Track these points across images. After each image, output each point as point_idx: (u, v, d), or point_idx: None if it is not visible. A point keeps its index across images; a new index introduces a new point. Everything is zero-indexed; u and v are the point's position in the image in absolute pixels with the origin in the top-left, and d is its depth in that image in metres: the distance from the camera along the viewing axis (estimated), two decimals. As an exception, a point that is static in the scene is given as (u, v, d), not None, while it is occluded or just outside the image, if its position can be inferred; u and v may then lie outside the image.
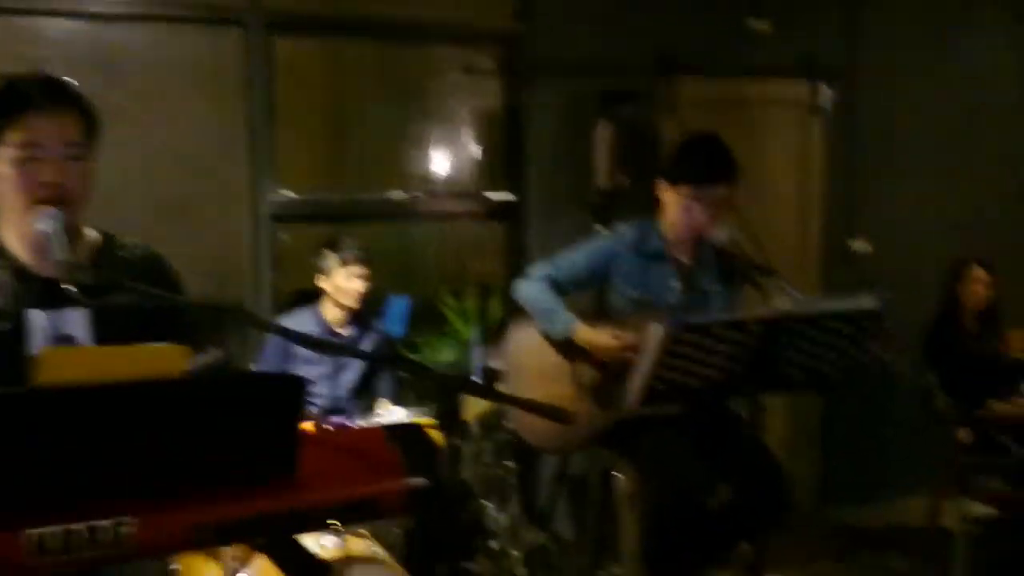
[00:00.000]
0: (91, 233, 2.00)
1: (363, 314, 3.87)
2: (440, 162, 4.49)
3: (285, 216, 4.12)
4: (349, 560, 2.97)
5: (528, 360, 2.99)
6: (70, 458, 1.33)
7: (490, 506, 3.70)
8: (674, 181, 2.92)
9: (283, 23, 4.08)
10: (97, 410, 1.32)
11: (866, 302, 2.33)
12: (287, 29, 4.09)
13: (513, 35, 4.43)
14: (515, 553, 3.68)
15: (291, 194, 4.13)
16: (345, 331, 3.82)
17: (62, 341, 1.81)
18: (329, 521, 1.58)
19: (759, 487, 2.83)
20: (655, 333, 2.20)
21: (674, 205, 2.93)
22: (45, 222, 1.73)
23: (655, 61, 4.56)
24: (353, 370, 3.84)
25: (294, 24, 4.13)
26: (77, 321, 1.86)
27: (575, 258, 2.98)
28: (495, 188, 4.49)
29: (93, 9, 3.85)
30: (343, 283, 3.72)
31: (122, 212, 4.15)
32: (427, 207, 4.40)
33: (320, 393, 3.74)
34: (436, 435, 3.27)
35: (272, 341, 3.77)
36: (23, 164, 1.79)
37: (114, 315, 1.86)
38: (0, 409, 1.26)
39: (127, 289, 1.80)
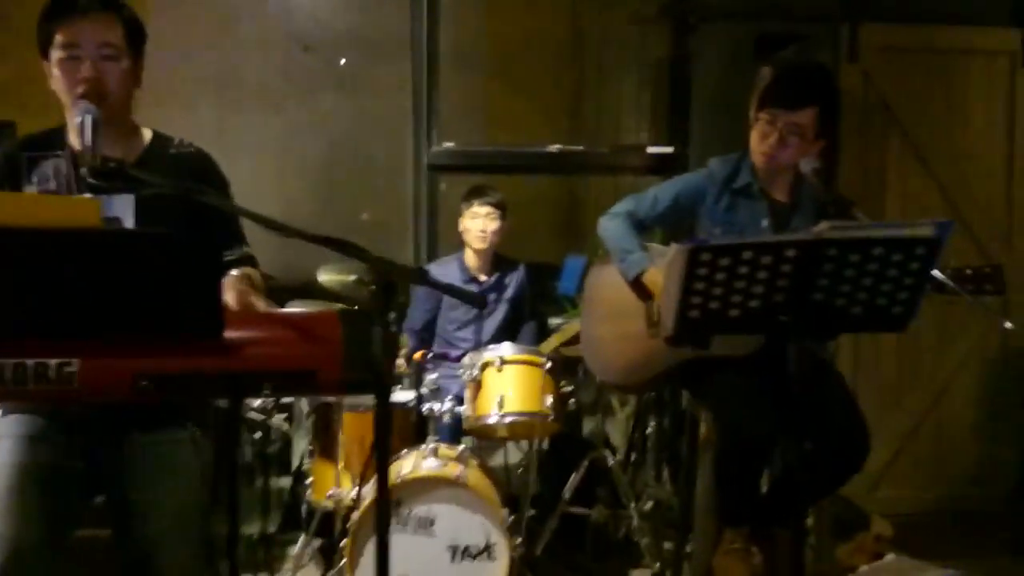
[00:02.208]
0: (146, 132, 2.21)
1: (503, 260, 3.98)
2: (602, 114, 4.49)
3: (444, 167, 4.30)
4: (434, 480, 3.11)
5: (605, 294, 2.94)
6: (20, 297, 1.53)
7: (610, 456, 3.67)
8: (757, 107, 2.75)
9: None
10: (36, 252, 1.51)
11: (921, 229, 2.09)
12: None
13: (679, -17, 4.34)
14: (633, 504, 3.63)
15: (451, 145, 4.29)
16: (485, 276, 3.94)
17: (109, 223, 2.04)
18: (264, 389, 1.70)
19: (835, 440, 2.62)
20: (678, 253, 2.11)
21: (754, 132, 2.76)
22: (80, 113, 1.96)
23: (839, 4, 4.28)
24: (499, 314, 3.95)
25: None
26: (124, 206, 2.08)
27: (660, 193, 2.87)
28: (658, 141, 4.41)
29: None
30: (470, 223, 3.84)
31: (302, 159, 4.65)
32: (587, 160, 4.40)
33: (464, 337, 3.89)
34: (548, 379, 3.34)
35: (420, 291, 3.96)
36: (66, 63, 2.02)
37: (157, 203, 2.06)
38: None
39: (149, 183, 1.98)
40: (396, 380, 3.51)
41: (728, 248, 2.10)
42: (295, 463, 3.91)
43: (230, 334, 1.65)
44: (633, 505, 3.64)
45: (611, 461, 3.68)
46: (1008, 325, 2.47)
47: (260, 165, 4.62)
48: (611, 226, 2.86)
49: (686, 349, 2.61)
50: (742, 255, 2.12)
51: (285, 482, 3.95)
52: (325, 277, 3.57)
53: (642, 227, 2.86)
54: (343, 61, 4.70)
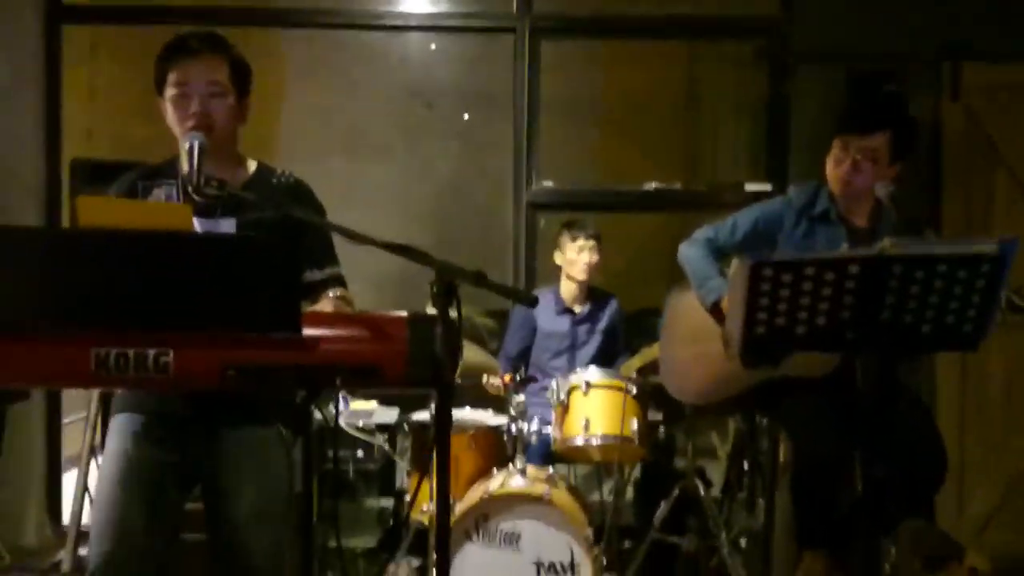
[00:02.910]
0: (251, 163, 2.42)
1: (597, 292, 4.09)
2: (701, 153, 4.59)
3: (544, 204, 4.47)
4: (520, 497, 3.21)
5: (684, 318, 3.00)
6: (120, 291, 1.74)
7: (700, 484, 3.69)
8: (832, 134, 2.79)
9: (548, 27, 4.46)
10: (135, 252, 1.72)
11: (985, 246, 2.10)
12: (552, 32, 4.47)
13: (777, 24, 4.41)
14: (724, 534, 3.63)
15: (550, 184, 4.46)
16: (579, 307, 4.06)
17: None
18: (338, 381, 1.86)
19: (908, 465, 2.59)
20: (740, 267, 2.17)
21: (829, 158, 2.80)
22: (188, 140, 2.19)
23: (941, 46, 4.27)
24: (592, 344, 4.07)
25: (558, 28, 4.49)
26: (228, 228, 2.30)
27: (740, 220, 2.93)
28: (757, 178, 4.46)
29: (389, 22, 4.55)
30: (573, 256, 3.98)
31: (406, 198, 4.92)
32: (685, 198, 4.49)
33: (557, 366, 4.00)
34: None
35: (517, 316, 4.11)
36: (178, 99, 2.24)
37: (258, 226, 2.27)
38: (60, 243, 1.71)
39: (253, 204, 2.21)
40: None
41: (790, 264, 2.16)
42: (398, 483, 4.09)
43: (307, 331, 1.83)
44: (724, 535, 3.65)
45: (703, 491, 3.70)
46: None
47: (384, 211, 4.96)
48: (690, 252, 2.94)
49: (761, 369, 2.65)
50: (804, 271, 2.17)
51: (387, 502, 4.12)
52: (432, 312, 3.76)
53: (721, 254, 2.92)
54: (466, 116, 4.98)
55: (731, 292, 2.28)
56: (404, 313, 1.92)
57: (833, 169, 2.80)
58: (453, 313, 1.85)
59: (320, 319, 1.94)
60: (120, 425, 2.26)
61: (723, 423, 4.36)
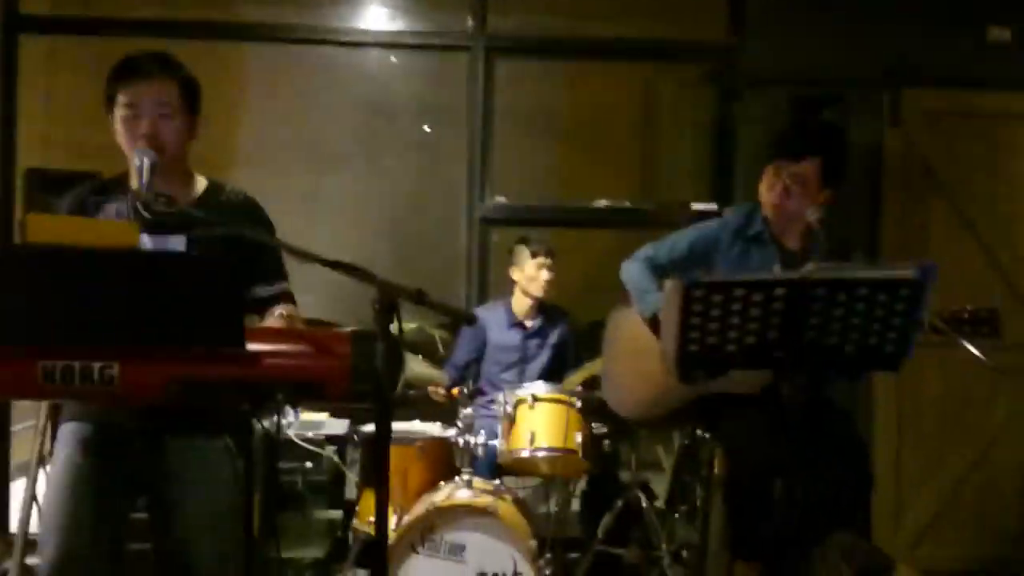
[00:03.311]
0: (201, 180, 2.47)
1: (549, 307, 4.18)
2: (652, 171, 4.70)
3: (496, 220, 4.56)
4: (465, 509, 3.28)
5: (625, 334, 3.10)
6: (68, 307, 1.78)
7: (643, 497, 3.78)
8: (765, 160, 2.91)
9: (503, 46, 4.55)
10: (82, 268, 1.77)
11: (903, 270, 2.21)
12: (506, 51, 4.56)
13: (726, 49, 4.53)
14: (665, 546, 3.73)
15: (503, 200, 4.55)
16: (530, 322, 4.15)
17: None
18: (280, 396, 1.92)
19: (833, 479, 2.70)
20: (673, 288, 2.27)
21: (763, 183, 2.91)
22: (138, 156, 2.23)
23: (883, 71, 4.43)
24: (542, 358, 4.15)
25: (513, 47, 4.59)
26: (177, 245, 2.34)
27: (678, 240, 3.03)
28: (703, 199, 4.58)
29: (348, 38, 4.63)
30: (532, 272, 4.07)
31: (365, 210, 5.00)
32: (633, 216, 4.59)
33: (508, 380, 4.08)
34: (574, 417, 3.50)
35: (466, 332, 4.19)
36: (127, 120, 2.29)
37: (207, 242, 2.32)
38: (9, 260, 1.76)
39: (202, 222, 2.26)
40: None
41: (720, 285, 2.25)
42: (347, 495, 4.13)
43: (252, 346, 1.89)
44: (665, 547, 3.74)
45: (645, 503, 3.79)
46: (984, 358, 2.54)
47: (344, 223, 5.03)
48: (631, 269, 3.04)
49: (699, 383, 2.74)
50: (734, 292, 2.26)
51: (336, 513, 4.16)
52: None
53: (661, 271, 3.01)
54: (427, 128, 5.06)
55: (665, 311, 2.37)
56: (348, 329, 1.99)
57: (766, 193, 2.91)
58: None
59: (265, 335, 2.00)
60: (68, 434, 2.30)
61: (668, 437, 4.47)
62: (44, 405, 3.68)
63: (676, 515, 4.12)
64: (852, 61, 4.40)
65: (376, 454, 1.92)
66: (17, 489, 4.28)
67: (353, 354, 1.92)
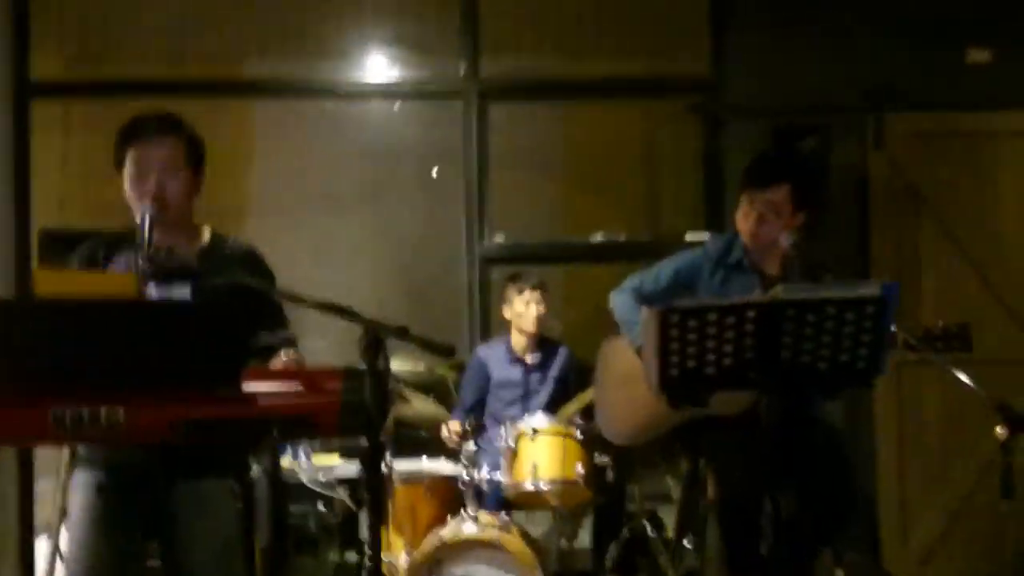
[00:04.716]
0: (206, 232, 2.60)
1: (546, 341, 4.28)
2: (646, 204, 4.82)
3: (496, 258, 4.68)
4: (472, 543, 3.37)
5: (615, 363, 3.20)
6: (74, 356, 1.90)
7: (649, 526, 3.85)
8: (738, 191, 3.03)
9: (495, 91, 4.71)
10: (87, 318, 1.89)
11: (867, 288, 2.30)
12: (498, 95, 4.72)
13: (708, 82, 4.67)
14: (671, 573, 3.79)
15: (500, 239, 4.67)
16: (530, 357, 4.25)
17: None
18: (275, 432, 2.03)
19: (815, 498, 2.77)
20: (649, 315, 2.37)
21: (738, 213, 3.03)
22: (140, 213, 2.37)
23: (865, 96, 4.54)
24: (544, 392, 4.24)
25: (504, 91, 4.75)
26: (182, 293, 2.47)
27: (662, 270, 3.14)
28: (696, 228, 4.68)
29: (348, 90, 4.80)
30: (521, 308, 4.17)
31: (372, 254, 5.14)
32: (630, 248, 4.70)
33: (512, 415, 4.16)
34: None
35: (472, 367, 4.30)
36: (135, 177, 2.43)
37: (211, 291, 2.44)
38: (18, 312, 1.89)
39: (200, 272, 2.40)
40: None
41: (694, 310, 2.36)
42: (361, 535, 4.21)
43: (248, 386, 2.00)
44: (671, 573, 3.80)
45: (651, 532, 3.86)
46: (963, 377, 2.61)
47: (353, 266, 5.18)
48: (619, 300, 3.15)
49: (685, 409, 2.83)
50: (708, 316, 2.36)
51: (351, 555, 4.24)
52: (399, 368, 3.97)
53: (647, 301, 3.10)
54: (435, 172, 5.22)
55: (644, 337, 2.47)
56: (338, 367, 2.10)
57: (742, 222, 3.02)
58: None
59: (260, 375, 2.10)
60: (82, 481, 2.41)
61: (677, 467, 4.53)
62: (64, 462, 3.80)
63: (685, 543, 4.18)
64: (834, 87, 4.53)
65: (368, 486, 2.02)
66: (43, 545, 4.39)
67: (343, 390, 2.02)
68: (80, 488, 2.41)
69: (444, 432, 3.95)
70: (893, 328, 2.73)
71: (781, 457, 2.62)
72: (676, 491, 4.57)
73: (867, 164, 4.52)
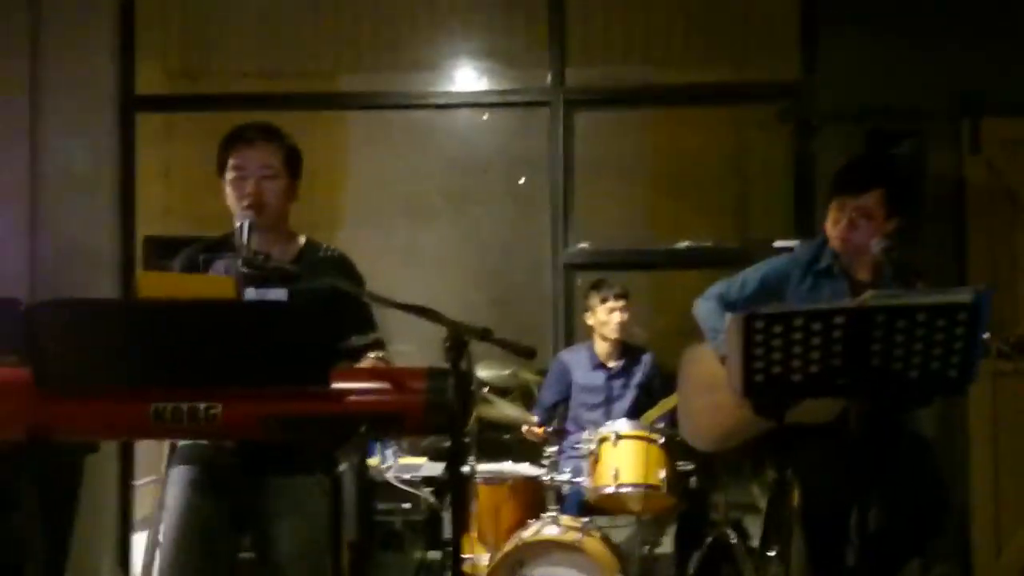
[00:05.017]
0: (300, 239, 2.70)
1: (629, 347, 4.29)
2: (728, 213, 4.79)
3: (580, 265, 4.71)
4: (553, 544, 3.40)
5: (699, 370, 3.18)
6: (174, 355, 2.01)
7: (733, 534, 3.81)
8: (828, 197, 2.99)
9: (581, 99, 4.75)
10: (187, 319, 1.99)
11: (959, 295, 2.25)
12: (584, 104, 4.75)
13: (800, 87, 4.61)
14: (755, 580, 3.75)
15: (585, 246, 4.70)
16: (613, 363, 4.26)
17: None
18: (363, 429, 2.10)
19: (905, 509, 2.72)
20: (733, 321, 2.36)
21: (828, 219, 2.98)
22: (239, 219, 2.47)
23: (960, 101, 4.43)
24: (627, 398, 4.26)
25: (590, 99, 4.78)
26: (278, 297, 2.55)
27: (748, 277, 3.11)
28: (789, 236, 4.63)
29: (437, 101, 4.90)
30: (604, 317, 4.19)
31: (459, 261, 5.24)
32: (716, 255, 4.67)
33: (594, 420, 4.18)
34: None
35: (553, 370, 4.34)
36: (235, 182, 2.54)
37: (306, 295, 2.53)
38: (124, 313, 2.00)
39: (294, 276, 2.49)
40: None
41: (779, 316, 2.34)
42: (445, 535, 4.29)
43: (337, 385, 2.07)
44: (755, 583, 3.76)
45: (735, 539, 3.83)
46: None
47: (442, 273, 5.31)
48: (704, 308, 3.14)
49: (772, 415, 2.81)
50: (794, 322, 2.35)
51: (435, 554, 4.32)
52: (484, 372, 4.05)
53: (732, 308, 3.09)
54: (522, 180, 5.30)
55: (728, 343, 2.47)
56: (423, 367, 2.16)
57: (832, 229, 2.98)
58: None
59: (349, 374, 2.18)
60: (178, 476, 2.52)
61: (763, 476, 4.48)
62: (164, 459, 3.96)
63: (770, 554, 4.13)
64: (928, 92, 4.41)
65: (452, 482, 2.07)
66: (140, 540, 4.57)
67: (427, 389, 2.08)
68: (175, 483, 2.52)
69: (524, 429, 4.01)
70: (986, 336, 2.66)
71: (869, 467, 2.58)
72: (761, 501, 4.53)
73: (963, 169, 4.40)
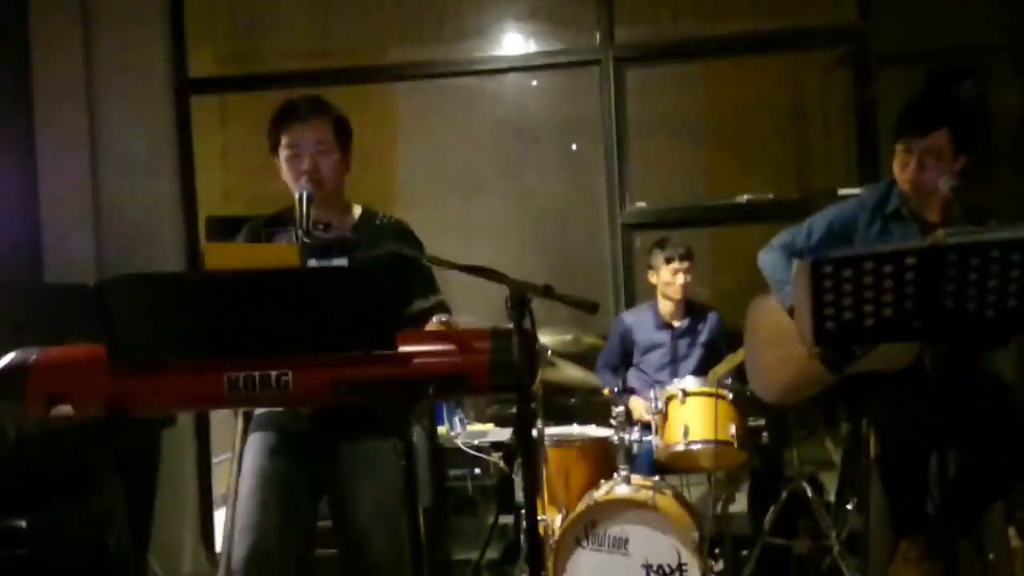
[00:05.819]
0: (357, 208, 2.71)
1: (694, 306, 4.24)
2: (788, 164, 4.69)
3: (637, 224, 4.65)
4: (625, 503, 3.39)
5: (766, 322, 3.11)
6: (244, 324, 2.02)
7: (809, 488, 3.76)
8: (894, 139, 2.90)
9: (631, 56, 4.67)
10: (255, 288, 2.01)
11: (1033, 227, 2.17)
12: (634, 60, 4.68)
13: (857, 30, 4.48)
14: (834, 535, 3.69)
15: (643, 205, 4.65)
16: (678, 322, 4.22)
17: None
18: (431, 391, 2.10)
19: (987, 451, 2.64)
20: (800, 268, 2.31)
21: (896, 162, 2.90)
22: (298, 191, 2.49)
23: (1019, 36, 4.28)
24: (694, 357, 4.22)
25: (640, 55, 4.70)
26: (340, 265, 2.57)
27: (815, 224, 3.03)
28: (851, 183, 4.53)
29: (484, 67, 4.87)
30: (668, 277, 4.15)
31: (514, 228, 5.23)
32: (778, 208, 4.59)
33: (661, 379, 4.15)
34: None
35: (615, 332, 4.31)
36: (291, 158, 2.56)
37: (367, 261, 2.55)
38: (193, 286, 2.02)
39: (360, 244, 2.50)
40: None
41: (848, 259, 2.28)
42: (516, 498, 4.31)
43: (404, 348, 2.08)
44: (834, 536, 3.71)
45: (811, 493, 3.78)
46: None
47: (496, 241, 5.30)
48: (769, 259, 3.08)
49: (846, 364, 2.76)
50: (863, 266, 2.29)
51: (507, 518, 4.35)
52: (546, 338, 4.04)
53: (800, 257, 3.03)
54: (574, 146, 5.26)
55: (796, 292, 2.42)
56: (486, 327, 2.16)
57: (900, 172, 2.90)
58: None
59: (414, 337, 2.19)
60: (255, 442, 2.57)
61: (837, 431, 4.41)
62: (238, 437, 4.03)
63: (848, 507, 4.07)
64: (988, 28, 4.27)
65: (520, 441, 2.07)
66: (220, 516, 4.66)
67: (491, 349, 2.07)
68: (252, 451, 2.56)
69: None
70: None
71: (947, 412, 2.52)
72: (836, 455, 4.47)
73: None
